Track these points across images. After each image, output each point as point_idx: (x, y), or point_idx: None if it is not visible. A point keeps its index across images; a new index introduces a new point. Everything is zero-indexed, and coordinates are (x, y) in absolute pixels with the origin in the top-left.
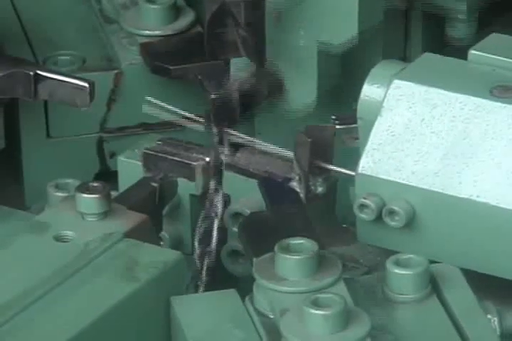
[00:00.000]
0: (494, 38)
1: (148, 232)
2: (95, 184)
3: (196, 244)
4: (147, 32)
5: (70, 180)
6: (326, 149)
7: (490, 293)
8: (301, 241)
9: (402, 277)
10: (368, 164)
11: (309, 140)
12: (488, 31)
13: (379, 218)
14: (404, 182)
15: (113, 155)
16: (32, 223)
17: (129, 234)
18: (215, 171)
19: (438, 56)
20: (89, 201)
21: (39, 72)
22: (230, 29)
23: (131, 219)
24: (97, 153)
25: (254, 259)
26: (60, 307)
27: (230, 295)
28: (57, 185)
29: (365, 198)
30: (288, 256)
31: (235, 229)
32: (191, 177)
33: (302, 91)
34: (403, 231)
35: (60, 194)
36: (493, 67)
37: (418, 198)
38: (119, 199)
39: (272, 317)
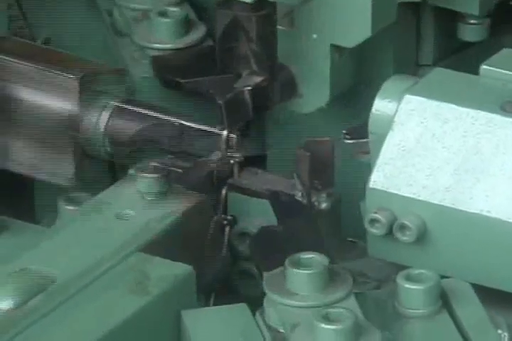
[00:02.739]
0: (506, 53)
1: (206, 212)
2: (155, 164)
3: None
4: (159, 45)
5: (80, 194)
6: (326, 163)
7: (500, 308)
8: (312, 256)
9: (412, 292)
10: (379, 178)
11: (308, 154)
12: (500, 37)
13: (390, 233)
14: (415, 197)
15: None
16: (94, 202)
17: (186, 214)
18: (219, 181)
19: (449, 71)
20: (149, 180)
21: (184, 122)
22: (242, 43)
23: (189, 199)
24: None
25: (265, 273)
26: (70, 322)
27: (241, 309)
28: (68, 199)
29: (376, 213)
30: (298, 271)
31: (242, 249)
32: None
33: (315, 95)
34: (414, 246)
35: (71, 207)
36: (504, 82)
37: (429, 213)
38: (178, 180)
39: (282, 331)
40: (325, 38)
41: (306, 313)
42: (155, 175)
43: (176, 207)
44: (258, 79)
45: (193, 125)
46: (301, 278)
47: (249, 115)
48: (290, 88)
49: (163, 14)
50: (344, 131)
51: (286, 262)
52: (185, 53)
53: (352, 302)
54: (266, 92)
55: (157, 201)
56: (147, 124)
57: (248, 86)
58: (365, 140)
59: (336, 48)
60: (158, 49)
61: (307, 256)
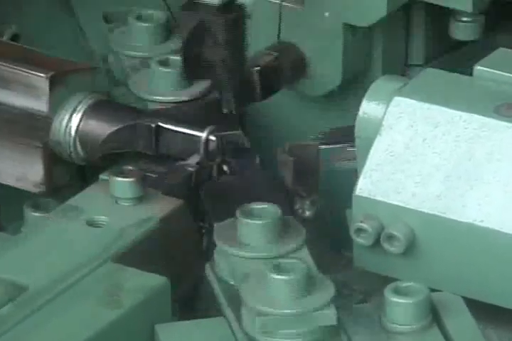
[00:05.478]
0: (501, 53)
1: (184, 218)
2: (130, 167)
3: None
4: (159, 97)
5: (48, 200)
6: (310, 169)
7: (493, 323)
8: (264, 206)
9: (401, 306)
10: (365, 185)
11: (292, 159)
12: (494, 36)
13: (377, 243)
14: (404, 205)
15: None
16: (64, 207)
17: (164, 220)
18: (199, 180)
19: (441, 71)
20: (123, 185)
21: (161, 124)
22: (209, 49)
23: (166, 204)
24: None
25: (216, 224)
26: (38, 335)
27: (218, 323)
28: (34, 205)
29: (362, 222)
30: (250, 221)
31: None
32: None
33: (326, 76)
34: (402, 257)
35: (37, 214)
36: (499, 84)
37: (419, 222)
38: (153, 184)
39: (232, 283)
40: (337, 17)
41: (257, 264)
42: (130, 179)
43: (152, 213)
44: (268, 58)
45: (170, 127)
46: (252, 229)
47: (257, 96)
48: (300, 69)
49: (164, 63)
50: (320, 136)
51: (238, 212)
52: (188, 106)
53: (305, 253)
54: (275, 72)
55: (132, 206)
56: (121, 126)
57: (257, 66)
58: (340, 145)
59: (349, 27)
60: (158, 101)
61: (259, 206)
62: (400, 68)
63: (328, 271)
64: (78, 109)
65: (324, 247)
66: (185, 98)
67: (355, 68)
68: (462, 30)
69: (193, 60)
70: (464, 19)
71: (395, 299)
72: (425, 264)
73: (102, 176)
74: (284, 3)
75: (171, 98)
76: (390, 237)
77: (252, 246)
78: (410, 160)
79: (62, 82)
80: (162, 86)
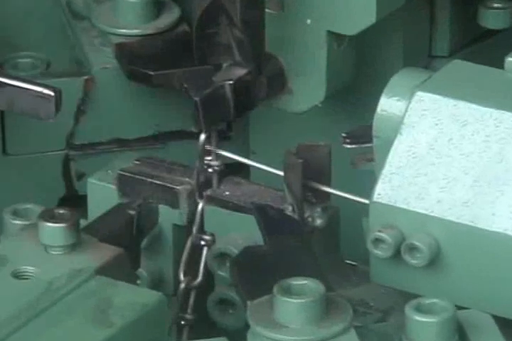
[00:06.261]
0: None
1: (123, 269)
2: (61, 211)
3: (181, 276)
4: (124, 31)
5: (30, 206)
6: (321, 172)
7: None
8: (304, 282)
9: (424, 325)
10: (384, 191)
11: (300, 161)
12: None
13: (397, 255)
14: (427, 212)
15: (82, 176)
16: None
17: (100, 271)
18: (199, 193)
19: (468, 64)
20: (54, 231)
21: None
22: (223, 29)
23: (103, 252)
24: (63, 174)
25: (249, 303)
26: None
27: None
28: (14, 212)
29: (380, 231)
30: (289, 300)
31: (222, 273)
32: (175, 204)
33: (309, 91)
34: (425, 270)
35: (18, 222)
36: None
37: (444, 232)
38: (89, 230)
39: None
40: (321, 24)
41: None
42: (61, 225)
43: (86, 263)
44: (241, 71)
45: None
46: (291, 308)
47: (230, 114)
48: (279, 82)
49: None
50: (343, 134)
51: (274, 289)
52: (156, 40)
53: (352, 337)
54: (250, 87)
55: (63, 255)
56: None
57: (229, 80)
58: (368, 145)
59: (334, 36)
60: (123, 35)
61: (299, 282)
62: (423, 60)
63: (342, 286)
64: None
65: (336, 260)
66: (151, 31)
67: (341, 81)
68: (492, 18)
69: (205, 41)
70: (495, 5)
71: (418, 317)
72: (451, 278)
73: (91, 180)
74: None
75: (136, 31)
76: (412, 248)
77: (291, 329)
78: (435, 162)
79: None
80: (127, 18)
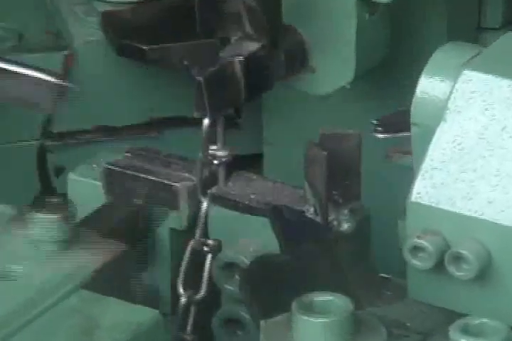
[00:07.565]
0: None
1: (127, 268)
2: (54, 200)
3: (181, 289)
4: None
5: (5, 206)
6: (349, 166)
7: None
8: (329, 298)
9: None
10: (425, 189)
11: (325, 154)
12: None
13: (439, 266)
14: (476, 215)
15: (61, 171)
16: None
17: (101, 271)
18: (203, 190)
19: None
20: (45, 224)
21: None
22: None
23: (104, 249)
24: (38, 168)
25: (262, 322)
26: None
27: None
28: None
29: (420, 237)
30: (311, 319)
31: (230, 287)
32: (172, 205)
33: (334, 69)
34: (473, 284)
35: None
36: None
37: (495, 238)
38: (87, 224)
39: None
40: None
41: None
42: (55, 216)
43: (85, 262)
44: (253, 46)
45: None
46: (314, 329)
47: (239, 97)
48: (298, 59)
49: None
50: (374, 121)
51: (293, 306)
52: (150, 8)
53: None
54: (264, 65)
55: (57, 253)
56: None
57: (239, 55)
58: (404, 134)
59: (364, 3)
60: (111, 1)
61: (322, 297)
62: (471, 33)
63: (373, 304)
64: None
65: (367, 272)
66: None
67: (373, 58)
68: None
69: (210, 10)
70: None
71: (465, 340)
72: (504, 294)
73: (72, 175)
74: None
75: None
76: (457, 258)
77: None
78: (485, 155)
79: None
80: None
